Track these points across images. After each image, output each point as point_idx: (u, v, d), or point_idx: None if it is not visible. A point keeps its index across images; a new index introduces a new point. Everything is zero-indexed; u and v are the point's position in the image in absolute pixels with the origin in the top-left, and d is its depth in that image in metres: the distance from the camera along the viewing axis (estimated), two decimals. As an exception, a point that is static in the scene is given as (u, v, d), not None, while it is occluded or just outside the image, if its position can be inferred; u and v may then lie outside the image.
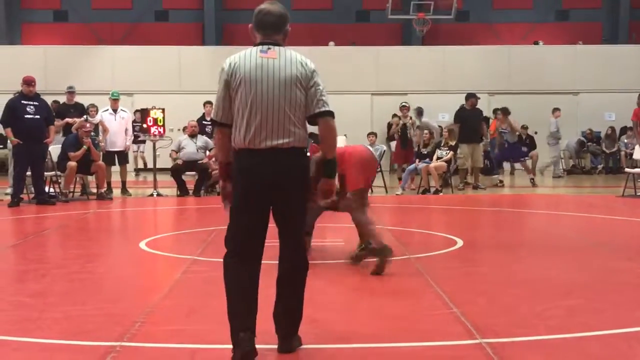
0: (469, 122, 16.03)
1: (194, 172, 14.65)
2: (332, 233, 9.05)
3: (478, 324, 4.76)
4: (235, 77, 3.94)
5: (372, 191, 14.84)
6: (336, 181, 4.39)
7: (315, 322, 4.82)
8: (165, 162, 16.33)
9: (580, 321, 4.96)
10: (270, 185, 3.95)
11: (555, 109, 19.98)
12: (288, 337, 4.20)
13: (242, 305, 3.96)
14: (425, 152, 15.59)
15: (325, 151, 4.06)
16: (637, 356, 4.20)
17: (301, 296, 4.18)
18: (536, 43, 24.64)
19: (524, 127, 19.68)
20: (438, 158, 15.22)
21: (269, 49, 3.98)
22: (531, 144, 19.57)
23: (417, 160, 15.69)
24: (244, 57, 3.98)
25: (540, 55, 23.33)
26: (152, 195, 14.48)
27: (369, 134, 16.76)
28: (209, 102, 16.19)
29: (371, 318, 5.09)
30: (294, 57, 3.99)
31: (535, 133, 20.67)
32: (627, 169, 15.10)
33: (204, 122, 15.94)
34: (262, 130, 3.91)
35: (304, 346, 4.28)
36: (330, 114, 4.00)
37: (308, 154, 4.21)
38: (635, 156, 14.75)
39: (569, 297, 5.72)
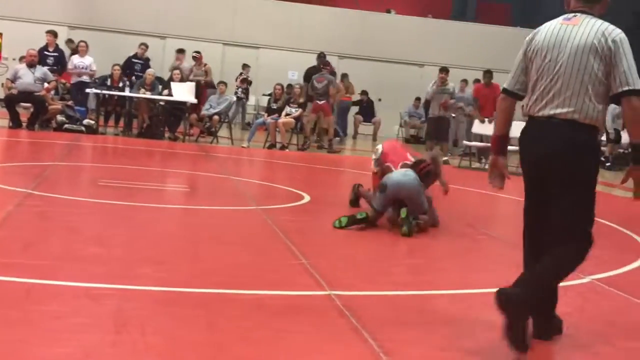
0: None
1: (29, 104, 13.82)
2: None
3: (327, 276, 4.72)
4: (532, 46, 3.76)
5: (217, 141, 14.69)
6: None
7: (161, 264, 4.66)
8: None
9: (425, 280, 5.07)
10: (537, 163, 3.69)
11: None
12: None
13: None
14: (275, 108, 15.49)
15: (630, 134, 3.59)
16: (474, 315, 4.31)
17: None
18: (388, 11, 24.94)
19: (364, 93, 20.89)
20: (287, 114, 15.15)
21: (574, 16, 3.71)
22: (371, 110, 21.09)
23: (265, 114, 15.59)
24: (547, 25, 3.78)
25: (391, 24, 23.65)
26: (-19, 124, 13.55)
27: (219, 83, 16.43)
28: (52, 32, 15.28)
29: (216, 265, 4.94)
30: (596, 26, 3.62)
31: (379, 100, 21.41)
32: (465, 142, 15.70)
33: (45, 52, 15.01)
34: (543, 97, 3.67)
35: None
36: (634, 92, 3.53)
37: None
38: (473, 130, 15.35)
39: (412, 257, 5.86)
